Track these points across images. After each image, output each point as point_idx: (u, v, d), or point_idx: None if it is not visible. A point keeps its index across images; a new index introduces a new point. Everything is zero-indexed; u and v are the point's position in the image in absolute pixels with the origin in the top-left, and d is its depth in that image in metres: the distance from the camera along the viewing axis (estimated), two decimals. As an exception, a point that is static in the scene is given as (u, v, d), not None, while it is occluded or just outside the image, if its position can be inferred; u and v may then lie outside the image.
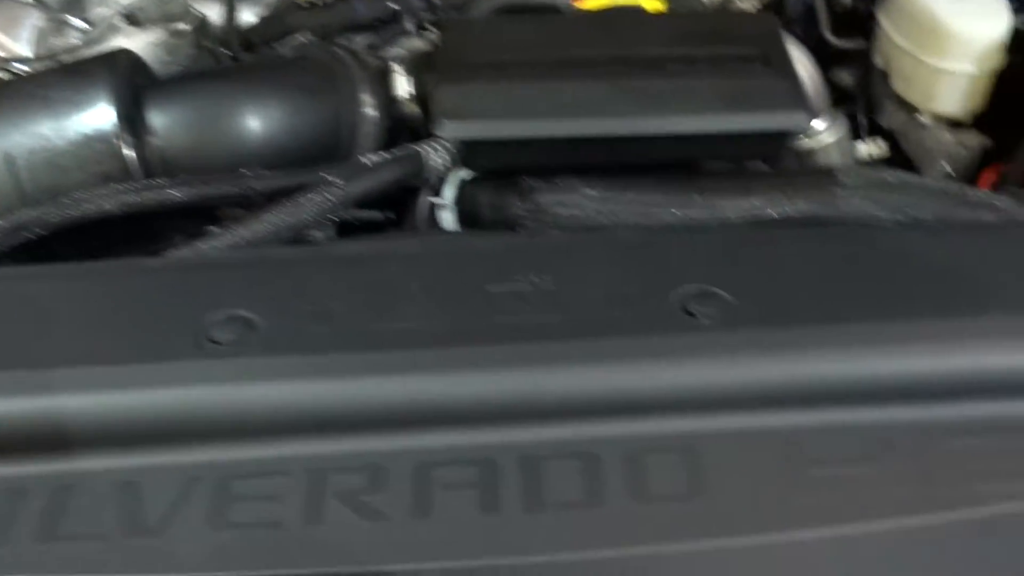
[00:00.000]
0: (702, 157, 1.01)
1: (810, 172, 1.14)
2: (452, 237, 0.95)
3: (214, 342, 0.71)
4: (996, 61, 1.33)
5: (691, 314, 0.72)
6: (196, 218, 1.00)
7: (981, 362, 0.69)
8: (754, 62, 0.99)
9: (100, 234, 0.94)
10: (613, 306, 0.73)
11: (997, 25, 1.32)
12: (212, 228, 0.92)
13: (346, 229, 1.05)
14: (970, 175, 1.44)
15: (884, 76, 1.49)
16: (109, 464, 0.67)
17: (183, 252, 0.87)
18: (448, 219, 1.04)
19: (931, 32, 1.35)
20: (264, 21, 1.23)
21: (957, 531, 0.65)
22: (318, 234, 1.04)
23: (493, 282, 0.75)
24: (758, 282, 0.75)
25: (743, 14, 1.31)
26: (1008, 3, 1.34)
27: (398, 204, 1.10)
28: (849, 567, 0.66)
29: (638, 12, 1.15)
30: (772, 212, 0.95)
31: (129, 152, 0.94)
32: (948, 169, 1.42)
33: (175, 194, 0.91)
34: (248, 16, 1.26)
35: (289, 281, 0.78)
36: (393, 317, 0.73)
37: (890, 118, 1.50)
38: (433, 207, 1.06)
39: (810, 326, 0.71)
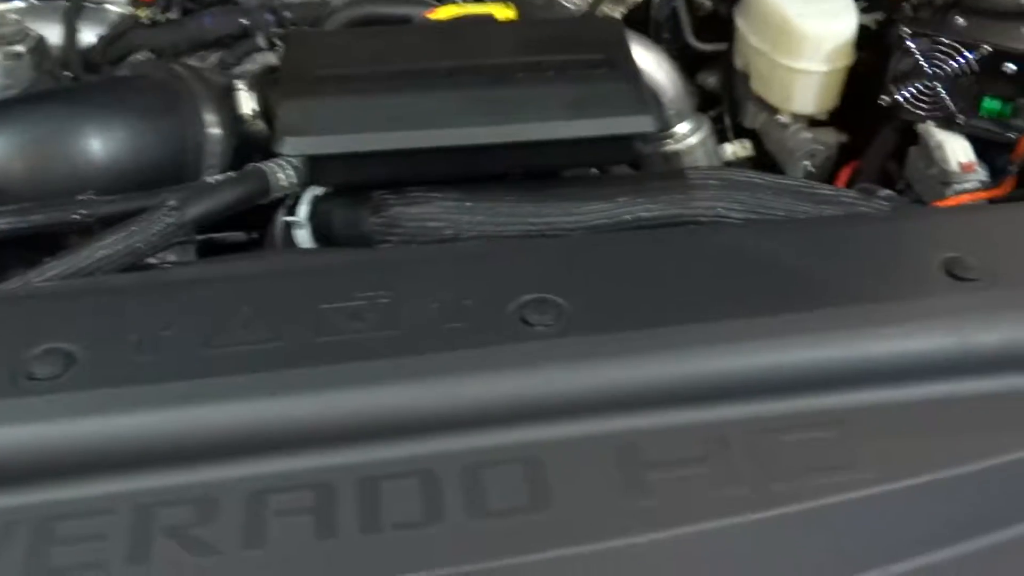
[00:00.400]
0: (553, 165, 1.01)
1: (663, 175, 1.15)
2: (292, 255, 0.94)
3: (32, 378, 0.68)
4: (847, 59, 1.38)
5: (528, 323, 0.72)
6: (39, 248, 0.96)
7: (809, 356, 0.71)
8: (600, 67, 1.00)
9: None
10: (450, 319, 0.73)
11: (845, 24, 1.36)
12: (46, 259, 0.88)
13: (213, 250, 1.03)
14: (830, 171, 1.49)
15: (745, 78, 1.53)
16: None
17: (9, 285, 0.83)
18: (303, 237, 1.02)
19: (783, 33, 1.38)
20: (105, 40, 1.19)
21: (793, 525, 0.66)
22: (171, 257, 1.01)
23: (328, 301, 0.74)
24: (595, 288, 0.76)
25: (589, 20, 1.31)
26: (854, 2, 1.40)
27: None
28: (690, 568, 0.66)
29: (487, 21, 1.15)
30: (627, 215, 0.96)
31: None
32: (809, 166, 1.47)
33: (2, 223, 0.87)
34: (90, 36, 1.21)
35: (116, 310, 0.75)
36: (222, 341, 0.71)
37: (752, 119, 1.54)
38: (287, 225, 1.03)
39: (643, 329, 0.71)
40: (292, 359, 0.70)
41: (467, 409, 0.68)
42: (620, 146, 0.98)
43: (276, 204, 1.03)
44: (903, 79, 1.29)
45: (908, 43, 1.26)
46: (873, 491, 0.66)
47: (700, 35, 1.65)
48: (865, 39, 1.42)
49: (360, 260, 0.86)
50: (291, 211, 1.03)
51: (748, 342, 0.71)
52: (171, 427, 0.66)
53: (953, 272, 0.76)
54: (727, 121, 1.59)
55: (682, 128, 1.47)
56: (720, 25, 1.60)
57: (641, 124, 0.95)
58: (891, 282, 0.77)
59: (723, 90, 1.60)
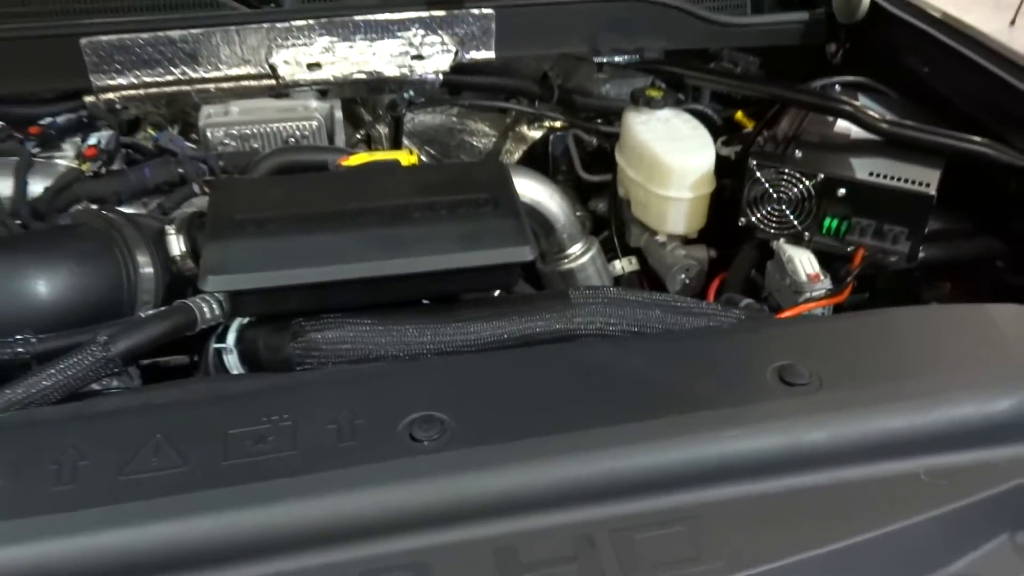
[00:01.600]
0: (448, 290, 1.02)
1: (549, 295, 1.17)
2: (210, 383, 0.93)
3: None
4: (709, 186, 1.43)
5: (415, 439, 0.72)
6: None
7: (660, 459, 0.71)
8: (486, 205, 1.02)
9: None
10: (345, 438, 0.72)
11: (704, 158, 1.42)
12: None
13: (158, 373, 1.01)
14: (704, 283, 1.53)
15: (627, 204, 1.58)
16: None
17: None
18: (232, 362, 1.01)
19: (654, 167, 1.44)
20: (51, 192, 1.19)
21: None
22: (115, 383, 0.99)
23: (235, 426, 0.73)
24: (476, 403, 0.76)
25: (477, 163, 1.36)
26: (712, 138, 1.47)
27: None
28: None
29: (392, 166, 1.18)
30: (517, 332, 0.98)
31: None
32: (685, 279, 1.51)
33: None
34: (38, 188, 1.21)
35: (40, 443, 0.73)
36: (135, 469, 0.70)
37: (636, 239, 1.59)
38: (218, 352, 1.03)
39: (518, 440, 0.72)
40: (196, 483, 0.69)
41: (358, 521, 0.67)
42: (505, 272, 1.00)
43: (209, 332, 1.03)
44: (755, 203, 1.34)
45: (757, 173, 1.32)
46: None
47: (589, 168, 1.73)
48: (727, 168, 1.49)
49: (267, 385, 0.86)
50: (220, 338, 1.02)
51: (607, 448, 0.71)
52: (81, 552, 0.64)
53: (785, 378, 0.78)
54: (615, 241, 1.64)
55: (575, 249, 1.52)
56: (606, 158, 1.67)
57: (521, 254, 0.97)
58: (732, 389, 0.78)
59: (610, 214, 1.65)
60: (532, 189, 1.44)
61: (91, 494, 0.67)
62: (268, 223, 0.99)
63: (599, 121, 1.74)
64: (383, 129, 1.65)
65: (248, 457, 0.70)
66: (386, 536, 0.67)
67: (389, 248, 0.96)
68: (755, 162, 1.32)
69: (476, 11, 1.51)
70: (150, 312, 0.96)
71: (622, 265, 1.59)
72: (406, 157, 1.21)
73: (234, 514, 0.66)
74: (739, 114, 1.71)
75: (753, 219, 1.35)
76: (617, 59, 1.60)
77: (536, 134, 1.79)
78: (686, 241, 1.52)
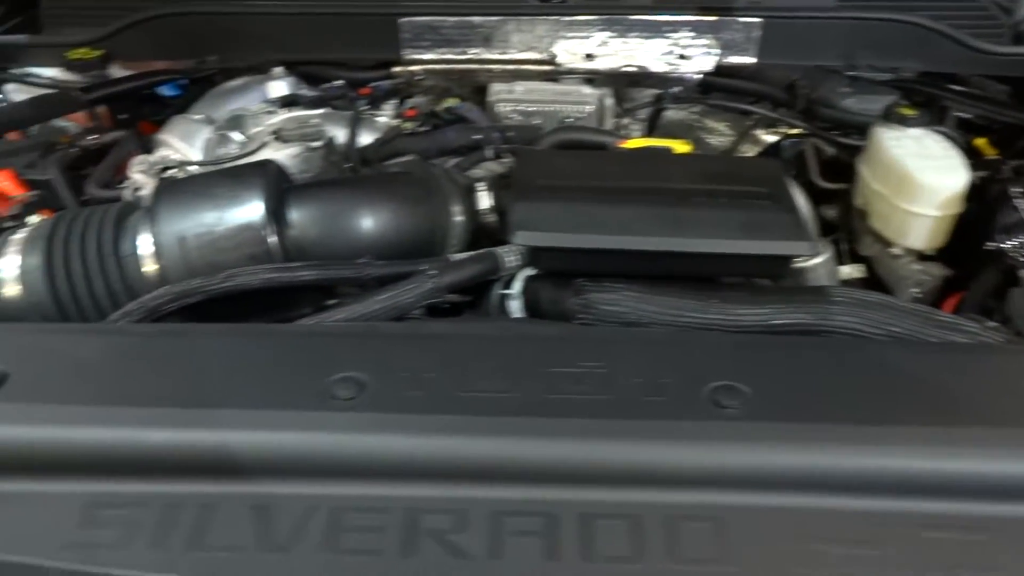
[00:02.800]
0: (721, 273, 1.00)
1: (806, 289, 1.11)
2: (519, 323, 0.94)
3: (335, 398, 0.70)
4: (957, 207, 1.32)
5: (719, 405, 0.70)
6: (318, 293, 1.01)
7: (965, 466, 0.66)
8: (765, 199, 0.99)
9: (244, 302, 0.94)
10: (651, 394, 0.71)
11: (958, 179, 1.31)
12: (333, 302, 0.92)
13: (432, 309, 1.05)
14: (934, 300, 1.42)
15: (863, 214, 1.48)
16: (246, 490, 0.66)
17: (310, 321, 0.87)
18: (515, 307, 1.03)
19: (904, 182, 1.34)
20: (377, 143, 1.26)
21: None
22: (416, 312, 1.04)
23: (555, 366, 0.74)
24: (773, 382, 0.73)
25: (753, 159, 1.31)
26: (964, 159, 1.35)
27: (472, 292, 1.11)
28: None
29: (668, 152, 1.16)
30: (775, 320, 0.94)
31: (272, 239, 0.95)
32: (917, 293, 1.40)
33: (306, 275, 0.91)
34: (365, 138, 1.28)
35: (393, 352, 0.77)
36: (472, 388, 0.72)
37: (868, 248, 1.49)
38: (503, 297, 1.05)
39: (818, 423, 0.68)
40: (526, 409, 0.70)
41: (668, 471, 0.66)
42: (780, 264, 0.96)
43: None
44: (1008, 231, 1.22)
45: (1016, 201, 1.20)
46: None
47: (822, 175, 1.63)
48: (971, 192, 1.37)
49: (579, 335, 0.86)
50: (506, 286, 1.05)
51: (907, 447, 0.67)
52: (435, 450, 0.67)
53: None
54: (843, 247, 1.55)
55: (810, 250, 1.44)
56: (839, 168, 1.58)
57: (800, 248, 0.93)
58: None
59: (841, 221, 1.56)
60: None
61: (438, 402, 0.70)
62: (567, 190, 1.00)
63: (837, 133, 1.63)
64: (625, 120, 1.63)
65: (567, 395, 0.71)
66: (691, 488, 0.66)
67: (676, 226, 0.94)
68: (1017, 190, 1.20)
69: (744, 19, 1.45)
70: (465, 255, 0.99)
71: (848, 271, 1.49)
72: (680, 145, 1.19)
73: (562, 443, 0.67)
74: (981, 141, 1.55)
75: (1003, 245, 1.23)
76: (872, 76, 1.49)
77: (771, 138, 1.71)
78: (921, 257, 1.41)
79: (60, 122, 1.52)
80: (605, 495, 0.65)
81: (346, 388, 0.71)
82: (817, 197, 1.65)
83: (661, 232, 0.93)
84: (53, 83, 1.52)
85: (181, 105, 1.50)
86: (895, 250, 1.42)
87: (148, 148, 1.32)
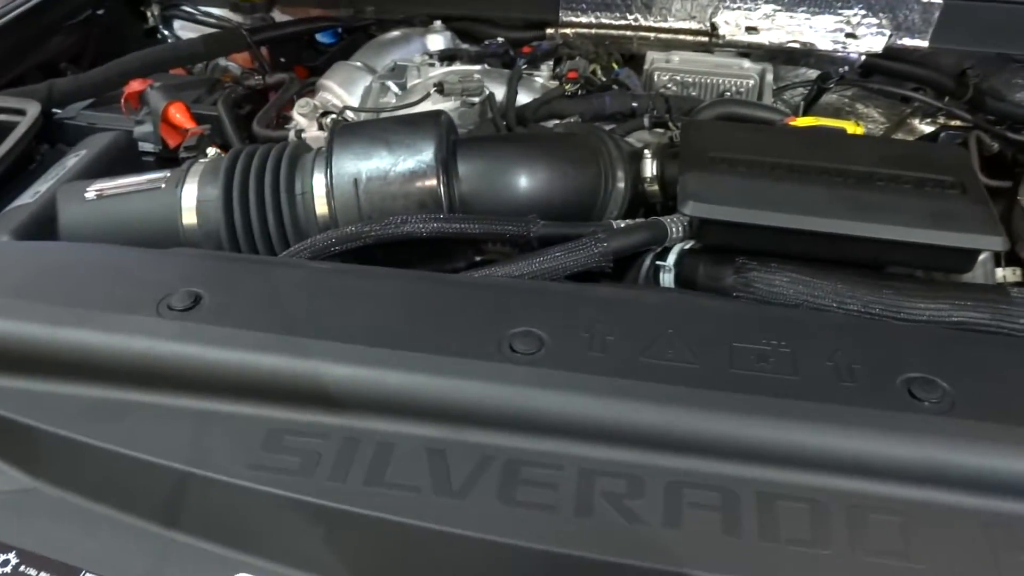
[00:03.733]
0: (897, 263, 0.93)
1: (985, 287, 1.04)
2: (690, 295, 0.91)
3: (515, 351, 0.69)
4: None
5: (916, 397, 0.65)
6: (470, 249, 1.00)
7: None
8: (953, 188, 0.92)
9: (404, 252, 0.94)
10: (843, 378, 0.67)
11: None
12: (494, 252, 0.91)
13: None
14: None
15: (1025, 213, 1.38)
16: (424, 432, 0.66)
17: (482, 275, 0.86)
18: (668, 280, 1.00)
19: (1085, 183, 1.23)
20: (536, 103, 1.24)
21: None
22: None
23: (738, 341, 0.71)
24: (973, 378, 0.68)
25: (938, 145, 1.23)
26: None
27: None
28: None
29: (843, 133, 1.09)
30: (952, 318, 0.87)
31: (441, 189, 0.94)
32: (1080, 301, 1.29)
33: (475, 228, 0.90)
34: (523, 97, 1.26)
35: (570, 310, 0.76)
36: (653, 355, 0.70)
37: (1028, 246, 1.38)
38: (656, 268, 1.02)
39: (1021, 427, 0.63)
40: (708, 382, 0.67)
41: (859, 459, 0.62)
42: (965, 258, 0.89)
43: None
44: None
45: None
46: None
47: (988, 171, 1.52)
48: None
49: (756, 312, 0.82)
50: (658, 257, 1.01)
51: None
52: (614, 414, 0.65)
53: None
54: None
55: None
56: (1003, 165, 1.46)
57: (993, 243, 0.86)
58: None
59: (1002, 221, 1.44)
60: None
61: (619, 367, 0.68)
62: (739, 164, 0.95)
63: (1004, 127, 1.51)
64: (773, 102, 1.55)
65: (752, 371, 0.68)
66: (877, 480, 0.62)
67: (857, 209, 0.88)
68: None
69: (923, -1, 1.35)
70: (631, 221, 0.96)
71: (1004, 273, 1.39)
72: (852, 127, 1.12)
73: (741, 419, 0.64)
74: None
75: None
76: (1059, 68, 1.37)
77: (927, 129, 1.60)
78: (1089, 265, 1.29)
79: (223, 61, 1.56)
80: (788, 476, 0.62)
81: (525, 342, 0.70)
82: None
83: (843, 215, 0.88)
84: (219, 22, 1.57)
85: (337, 53, 1.52)
86: (1062, 254, 1.31)
87: (309, 92, 1.34)
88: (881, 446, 0.62)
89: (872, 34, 1.38)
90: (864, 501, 0.61)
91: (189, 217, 1.00)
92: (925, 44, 1.38)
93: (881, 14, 1.36)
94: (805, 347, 0.70)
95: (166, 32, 1.65)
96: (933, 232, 0.85)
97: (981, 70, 1.50)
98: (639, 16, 1.42)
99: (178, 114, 1.27)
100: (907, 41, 1.38)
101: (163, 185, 1.02)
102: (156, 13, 1.63)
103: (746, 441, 0.63)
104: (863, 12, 1.36)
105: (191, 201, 1.00)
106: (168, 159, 1.21)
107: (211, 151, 1.10)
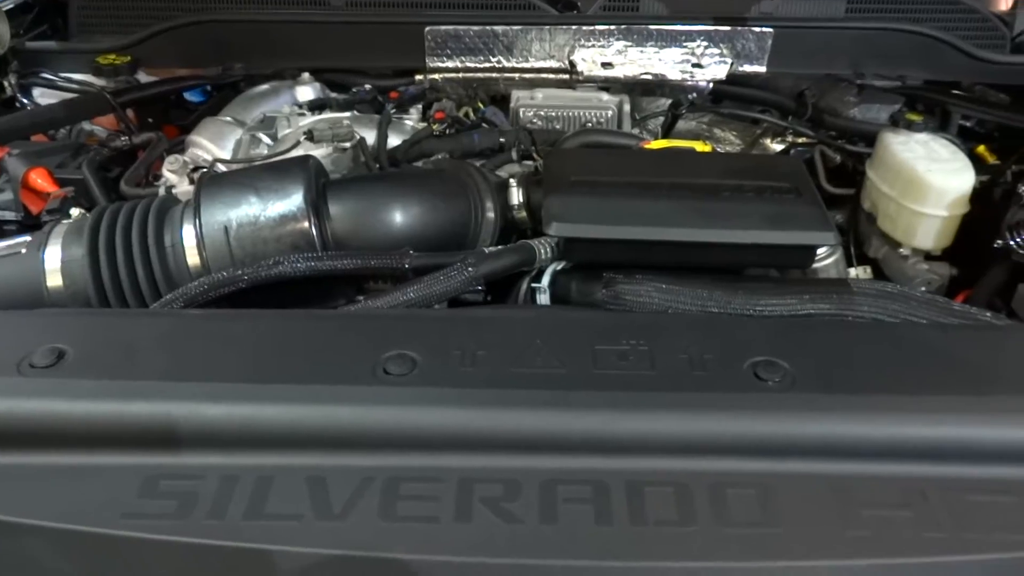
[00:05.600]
0: (748, 264, 1.01)
1: (829, 281, 1.13)
2: (559, 308, 0.96)
3: (388, 373, 0.71)
4: (964, 208, 1.35)
5: (760, 378, 0.71)
6: (350, 288, 1.02)
7: (999, 433, 0.67)
8: (789, 193, 1.01)
9: (280, 294, 0.95)
10: (696, 368, 0.73)
11: (965, 180, 1.34)
12: (375, 288, 0.93)
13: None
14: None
15: (870, 217, 1.51)
16: (303, 461, 0.67)
17: (356, 307, 0.88)
18: (544, 300, 1.04)
19: (912, 184, 1.36)
20: (407, 143, 1.28)
21: (976, 571, 0.63)
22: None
23: (601, 344, 0.75)
24: (811, 358, 0.75)
25: (775, 156, 1.33)
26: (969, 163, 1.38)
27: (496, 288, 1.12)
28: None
29: (691, 151, 1.18)
30: (800, 311, 0.95)
31: (313, 230, 0.96)
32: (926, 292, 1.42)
33: (349, 263, 0.92)
34: (394, 139, 1.30)
35: (442, 332, 0.78)
36: (522, 364, 0.73)
37: (876, 250, 1.51)
38: (532, 290, 1.06)
39: (856, 394, 0.70)
40: (573, 383, 0.71)
41: (714, 440, 0.67)
42: (804, 254, 0.98)
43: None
44: (1015, 228, 1.25)
45: (1024, 200, 1.23)
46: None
47: (831, 181, 1.66)
48: (974, 195, 1.40)
49: (618, 318, 0.87)
50: (534, 280, 1.06)
51: (943, 415, 0.68)
52: (488, 423, 0.68)
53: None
54: (851, 250, 1.58)
55: (823, 250, 1.46)
56: (845, 175, 1.61)
57: (826, 239, 0.95)
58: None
59: (849, 225, 1.59)
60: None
61: (489, 378, 0.72)
62: (598, 185, 1.02)
63: (843, 140, 1.66)
64: (636, 131, 1.65)
65: (613, 370, 0.73)
66: (735, 457, 0.67)
67: (705, 218, 0.96)
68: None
69: (757, 29, 1.48)
70: (501, 247, 1.01)
71: (856, 272, 1.51)
72: (700, 146, 1.21)
73: (609, 415, 0.68)
74: (981, 148, 1.59)
75: (1012, 243, 1.26)
76: (878, 83, 1.53)
77: (778, 147, 1.74)
78: (928, 257, 1.43)
79: (88, 125, 1.54)
80: (652, 463, 0.67)
81: (398, 365, 0.72)
82: (825, 202, 1.68)
83: (692, 224, 0.95)
84: (81, 87, 1.54)
85: (207, 110, 1.52)
86: (903, 251, 1.44)
87: (178, 149, 1.33)
88: (732, 425, 0.67)
89: (716, 63, 1.50)
90: (723, 478, 0.66)
91: (54, 279, 0.98)
92: (763, 69, 1.51)
93: (722, 44, 1.49)
94: (661, 344, 0.76)
95: (25, 101, 1.61)
96: (771, 233, 0.94)
97: (816, 90, 1.66)
98: (502, 58, 1.50)
99: (40, 179, 1.24)
100: (747, 68, 1.51)
101: (23, 250, 0.99)
102: (13, 82, 1.58)
103: (611, 435, 0.68)
104: (706, 44, 1.49)
105: (55, 263, 0.98)
106: (31, 226, 1.18)
107: (75, 211, 1.09)
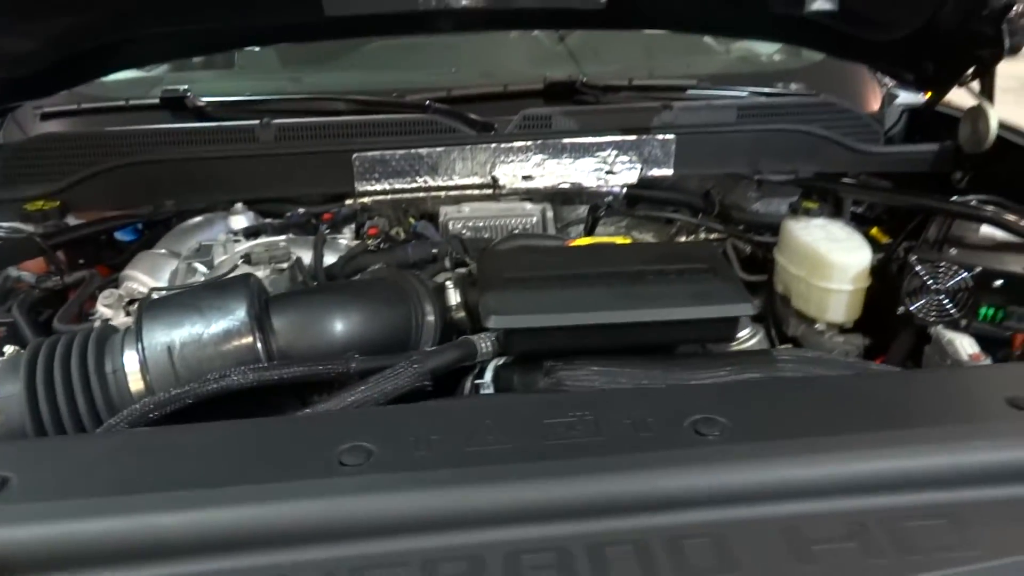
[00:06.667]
0: (677, 341, 1.08)
1: (756, 352, 1.21)
2: (506, 395, 0.99)
3: (344, 465, 0.73)
4: (866, 281, 1.47)
5: (701, 434, 0.76)
6: (298, 401, 1.03)
7: (918, 463, 0.73)
8: (707, 273, 1.10)
9: (229, 409, 0.95)
10: (641, 431, 0.77)
11: (863, 256, 1.47)
12: (319, 401, 0.95)
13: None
14: (859, 368, 1.54)
15: (784, 299, 1.62)
16: (265, 561, 0.67)
17: (306, 411, 0.90)
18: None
19: (818, 264, 1.49)
20: (343, 260, 1.33)
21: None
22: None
23: (549, 417, 0.79)
24: (746, 413, 0.80)
25: (691, 243, 1.45)
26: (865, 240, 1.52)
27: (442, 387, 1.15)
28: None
29: (615, 244, 1.27)
30: (731, 380, 1.02)
31: (258, 344, 0.98)
32: (843, 362, 1.52)
33: (296, 371, 0.94)
34: (330, 258, 1.35)
35: (395, 423, 0.81)
36: (475, 443, 0.76)
37: (794, 328, 1.61)
38: (475, 387, 1.10)
39: (789, 439, 0.75)
40: (528, 456, 0.74)
41: (663, 495, 0.71)
42: (726, 326, 1.06)
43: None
44: (914, 294, 1.37)
45: (917, 267, 1.35)
46: (981, 565, 0.67)
47: (743, 270, 1.79)
48: (873, 271, 1.53)
49: (563, 396, 0.92)
50: (477, 377, 1.10)
51: (873, 450, 0.74)
52: (446, 502, 0.70)
53: (1017, 405, 0.79)
54: (772, 332, 1.68)
55: (744, 333, 1.55)
56: (756, 264, 1.74)
57: (744, 309, 1.03)
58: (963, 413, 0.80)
59: (766, 308, 1.69)
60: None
61: (443, 459, 0.74)
62: (530, 280, 1.09)
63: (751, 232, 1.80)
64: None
65: (563, 440, 0.76)
66: (687, 509, 0.71)
67: (634, 300, 1.04)
68: (915, 257, 1.36)
69: (660, 136, 1.63)
70: (444, 344, 1.05)
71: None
72: (621, 239, 1.30)
73: (565, 482, 0.71)
74: (875, 230, 1.75)
75: (912, 308, 1.37)
76: (774, 178, 1.69)
77: (694, 243, 1.87)
78: (842, 330, 1.54)
79: (15, 272, 1.53)
80: (610, 524, 0.69)
81: (353, 456, 0.74)
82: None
83: (622, 306, 1.02)
84: (9, 233, 1.55)
85: (140, 247, 1.55)
86: (819, 326, 1.55)
87: (113, 284, 1.35)
88: (681, 480, 0.71)
89: (627, 169, 1.64)
90: (678, 531, 0.69)
91: (-12, 418, 0.96)
92: (671, 172, 1.65)
93: (630, 152, 1.63)
94: (605, 414, 0.80)
95: (-52, 252, 1.60)
96: (695, 308, 1.02)
97: (721, 188, 1.81)
98: (428, 178, 1.60)
99: (-33, 325, 1.23)
100: (656, 171, 1.65)
101: (-45, 391, 0.98)
102: (-66, 234, 1.58)
103: (567, 500, 0.70)
104: (616, 152, 1.62)
105: (-11, 402, 0.97)
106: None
107: (8, 349, 1.08)
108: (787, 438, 0.75)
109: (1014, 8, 1.52)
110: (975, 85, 1.66)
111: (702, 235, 1.85)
